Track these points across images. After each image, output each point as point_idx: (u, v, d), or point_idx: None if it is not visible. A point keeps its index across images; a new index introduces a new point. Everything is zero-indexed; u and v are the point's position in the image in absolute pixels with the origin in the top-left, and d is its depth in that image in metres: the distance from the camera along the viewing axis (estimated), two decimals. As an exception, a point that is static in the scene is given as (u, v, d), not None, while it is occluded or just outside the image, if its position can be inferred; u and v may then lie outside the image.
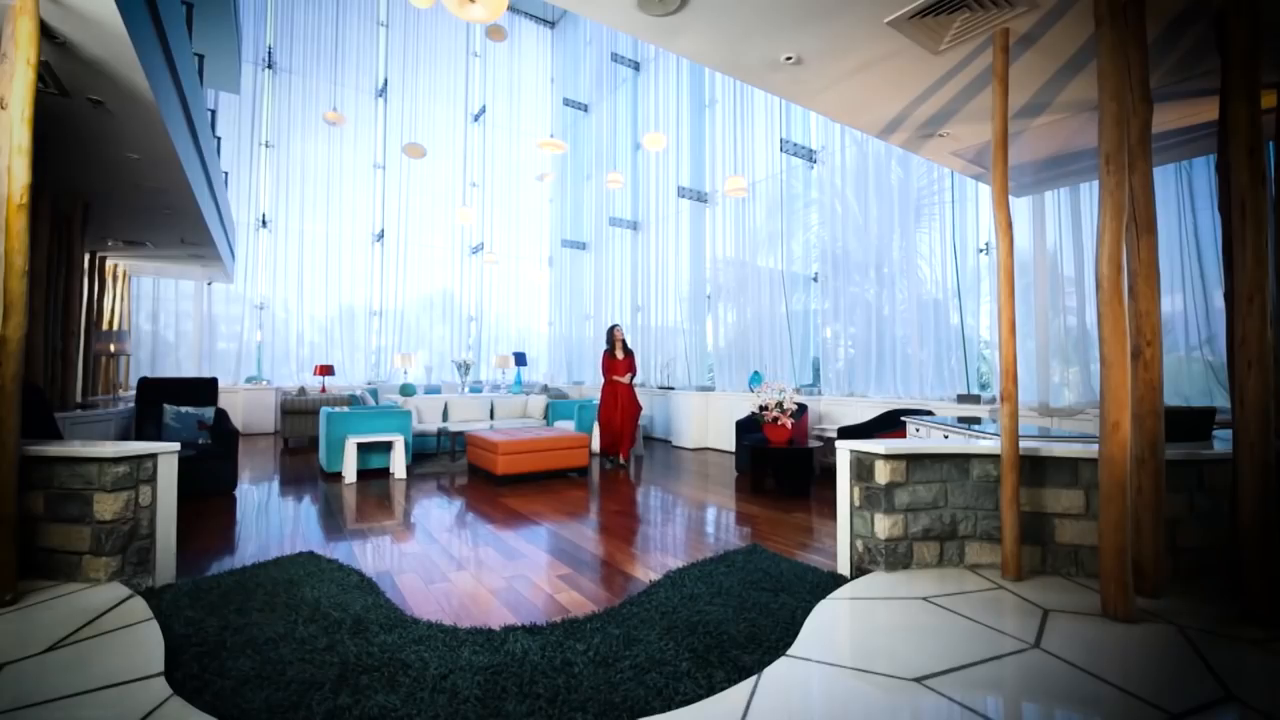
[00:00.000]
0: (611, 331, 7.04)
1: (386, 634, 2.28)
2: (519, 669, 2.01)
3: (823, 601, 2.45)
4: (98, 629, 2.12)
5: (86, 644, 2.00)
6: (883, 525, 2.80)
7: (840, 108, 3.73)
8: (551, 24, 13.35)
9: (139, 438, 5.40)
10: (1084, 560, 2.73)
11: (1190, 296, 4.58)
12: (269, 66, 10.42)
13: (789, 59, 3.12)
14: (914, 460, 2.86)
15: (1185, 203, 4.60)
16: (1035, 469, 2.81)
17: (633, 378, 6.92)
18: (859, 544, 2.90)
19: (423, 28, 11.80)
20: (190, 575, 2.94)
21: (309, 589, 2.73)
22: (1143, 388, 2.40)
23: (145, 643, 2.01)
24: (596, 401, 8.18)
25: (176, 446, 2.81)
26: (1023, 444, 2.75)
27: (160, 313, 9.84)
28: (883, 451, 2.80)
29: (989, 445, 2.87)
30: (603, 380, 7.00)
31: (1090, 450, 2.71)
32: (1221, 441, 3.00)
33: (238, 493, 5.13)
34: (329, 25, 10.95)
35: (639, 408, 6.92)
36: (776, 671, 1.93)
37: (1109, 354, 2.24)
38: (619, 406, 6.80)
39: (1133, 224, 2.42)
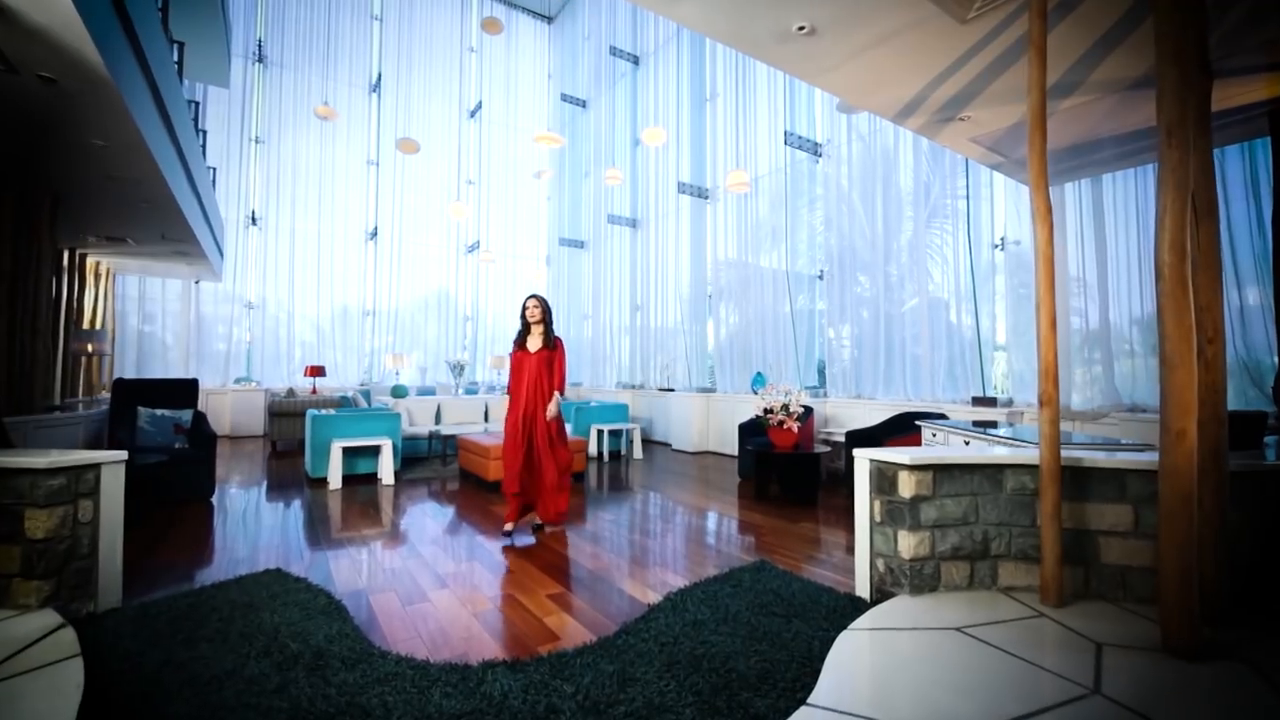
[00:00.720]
0: (524, 308, 4.05)
1: (348, 671, 2.00)
2: (496, 718, 1.74)
3: (843, 633, 2.17)
4: (12, 668, 1.83)
5: (-6, 688, 1.72)
6: (907, 543, 2.52)
7: (853, 87, 3.45)
8: (549, 19, 13.08)
9: (111, 442, 5.12)
10: (1132, 583, 2.45)
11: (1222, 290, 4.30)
12: (259, 60, 10.15)
13: (801, 29, 2.84)
14: (941, 471, 2.57)
15: (1217, 192, 4.33)
16: (1077, 481, 2.53)
17: (560, 400, 3.94)
18: (880, 563, 2.62)
19: (417, 22, 11.52)
20: (140, 597, 2.66)
21: (269, 614, 2.45)
22: (1204, 391, 2.13)
23: (63, 686, 1.73)
24: (594, 403, 7.85)
25: (123, 455, 2.53)
26: (1064, 453, 2.47)
27: (150, 312, 9.56)
28: (907, 462, 2.52)
29: (1025, 455, 2.58)
30: (511, 388, 4.04)
31: (1140, 460, 2.43)
32: (1270, 450, 2.72)
33: (214, 500, 4.86)
34: (321, 19, 10.67)
35: (569, 453, 4.09)
36: (796, 724, 1.66)
37: (1172, 353, 1.96)
38: (533, 444, 3.92)
39: (1190, 209, 2.15)
